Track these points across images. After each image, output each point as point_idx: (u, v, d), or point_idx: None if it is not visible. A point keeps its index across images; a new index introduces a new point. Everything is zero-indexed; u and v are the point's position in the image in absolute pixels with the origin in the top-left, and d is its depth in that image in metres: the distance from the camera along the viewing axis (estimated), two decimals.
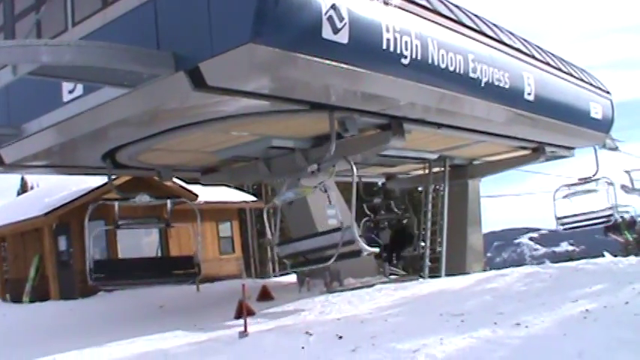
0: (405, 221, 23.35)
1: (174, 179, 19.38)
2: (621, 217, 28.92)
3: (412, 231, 22.30)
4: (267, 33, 10.17)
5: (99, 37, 11.74)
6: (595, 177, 25.64)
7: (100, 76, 11.16)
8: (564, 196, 26.91)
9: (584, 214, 26.85)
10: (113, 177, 17.20)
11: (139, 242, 22.19)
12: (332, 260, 13.41)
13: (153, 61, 10.79)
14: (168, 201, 17.36)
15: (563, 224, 27.39)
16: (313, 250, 14.81)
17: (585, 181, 26.17)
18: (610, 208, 26.04)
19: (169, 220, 18.25)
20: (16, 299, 21.79)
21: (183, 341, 10.91)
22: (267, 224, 14.67)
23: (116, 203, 15.28)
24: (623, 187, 28.34)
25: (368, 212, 21.70)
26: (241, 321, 10.45)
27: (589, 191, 26.40)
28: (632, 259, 14.13)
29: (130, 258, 19.39)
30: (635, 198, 28.86)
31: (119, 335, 12.19)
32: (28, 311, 19.23)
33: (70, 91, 12.92)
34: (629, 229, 30.97)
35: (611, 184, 26.42)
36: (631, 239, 32.17)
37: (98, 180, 21.35)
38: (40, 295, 20.95)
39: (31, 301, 21.02)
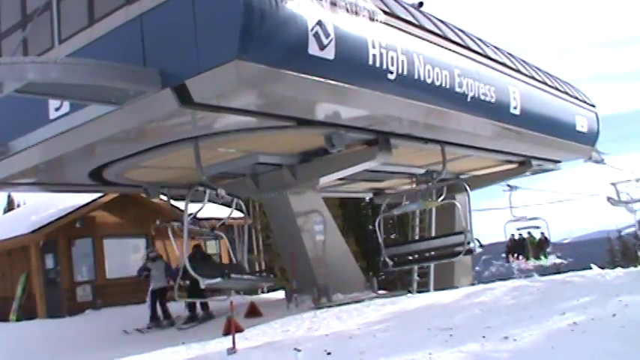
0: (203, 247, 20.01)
1: (162, 196, 19.29)
2: (529, 233, 27.14)
3: (213, 260, 20.59)
4: (253, 49, 10.21)
5: (85, 54, 11.74)
6: None
7: (86, 93, 11.13)
8: None
9: None
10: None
11: (127, 260, 22.05)
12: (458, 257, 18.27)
13: (139, 78, 10.78)
14: (235, 200, 17.19)
15: None
16: (422, 251, 19.13)
17: None
18: None
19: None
20: (3, 318, 21.58)
21: (171, 359, 10.83)
22: (378, 231, 18.32)
23: (207, 191, 14.31)
24: (609, 199, 28.47)
25: None
26: (230, 338, 10.38)
27: None
28: (619, 270, 14.18)
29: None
30: (621, 210, 29.01)
31: (107, 353, 12.10)
32: (14, 330, 19.02)
33: (57, 109, 12.89)
34: (541, 250, 26.68)
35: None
36: (548, 264, 26.13)
37: (85, 197, 21.26)
38: (27, 313, 20.76)
39: (18, 319, 20.82)
